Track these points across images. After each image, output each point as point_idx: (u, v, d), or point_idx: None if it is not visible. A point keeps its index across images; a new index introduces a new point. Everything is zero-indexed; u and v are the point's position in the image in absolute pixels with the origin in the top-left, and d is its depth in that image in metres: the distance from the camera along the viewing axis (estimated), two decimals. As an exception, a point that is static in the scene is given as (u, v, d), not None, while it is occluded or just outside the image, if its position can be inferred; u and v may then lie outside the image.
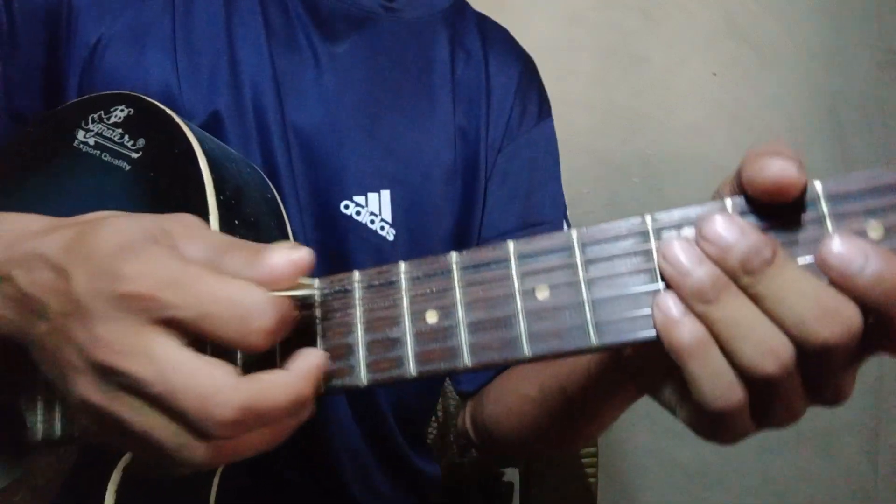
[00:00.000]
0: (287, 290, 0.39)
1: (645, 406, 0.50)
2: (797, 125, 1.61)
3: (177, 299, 0.36)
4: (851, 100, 1.61)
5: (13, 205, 0.56)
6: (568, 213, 0.87)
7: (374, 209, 0.72)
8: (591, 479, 1.14)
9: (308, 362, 0.39)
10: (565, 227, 0.84)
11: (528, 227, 0.81)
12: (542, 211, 0.83)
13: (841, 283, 0.33)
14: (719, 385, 0.36)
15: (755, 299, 0.35)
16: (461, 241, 0.79)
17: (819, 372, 0.36)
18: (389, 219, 0.73)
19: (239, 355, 0.43)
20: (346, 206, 0.71)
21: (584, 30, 1.63)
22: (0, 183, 0.60)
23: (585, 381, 0.54)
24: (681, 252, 0.35)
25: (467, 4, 0.89)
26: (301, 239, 0.67)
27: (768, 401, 0.37)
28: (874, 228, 0.34)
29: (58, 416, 0.47)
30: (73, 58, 0.68)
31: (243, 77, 0.69)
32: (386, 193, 0.73)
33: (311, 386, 0.39)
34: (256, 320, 0.37)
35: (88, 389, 0.37)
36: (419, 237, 0.75)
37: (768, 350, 0.34)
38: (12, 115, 0.68)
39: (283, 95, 0.71)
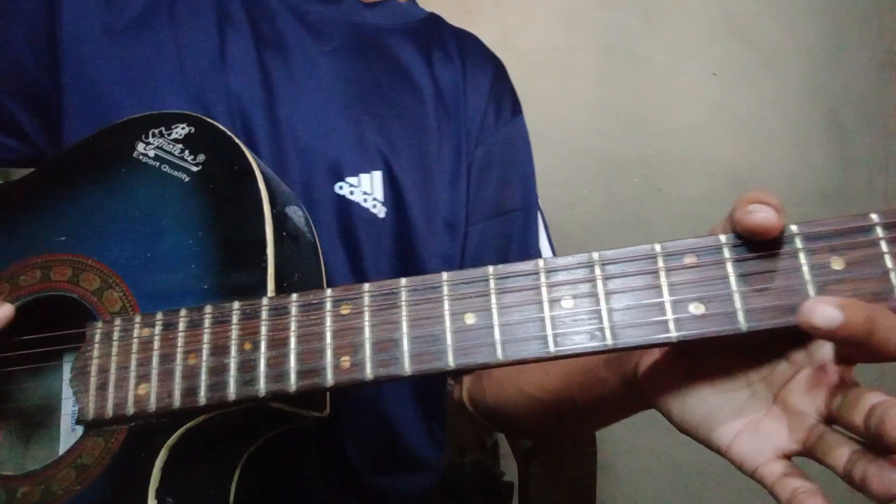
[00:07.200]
0: None
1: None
2: (797, 125, 1.66)
3: None
4: (851, 100, 1.66)
5: (69, 208, 0.66)
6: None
7: (366, 188, 0.80)
8: (591, 479, 1.17)
9: None
10: (539, 215, 0.95)
11: (501, 214, 0.90)
12: (514, 200, 0.92)
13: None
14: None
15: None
16: (450, 225, 0.87)
17: None
18: (381, 197, 0.81)
19: (234, 358, 0.50)
20: (341, 187, 0.79)
21: (584, 30, 1.69)
22: (58, 186, 0.68)
23: (598, 392, 0.61)
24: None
25: (441, 19, 0.99)
26: None
27: None
28: (836, 262, 0.44)
29: (110, 396, 0.54)
30: (72, 89, 0.77)
31: (232, 85, 0.79)
32: (378, 174, 0.81)
33: None
34: None
35: None
36: (409, 216, 0.83)
37: None
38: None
39: (277, 94, 0.80)
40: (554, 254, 0.94)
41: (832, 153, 1.66)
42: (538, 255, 0.92)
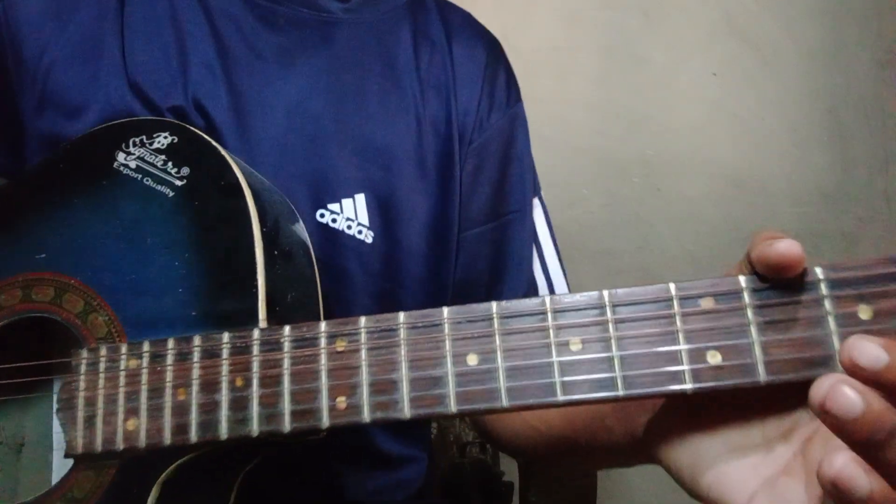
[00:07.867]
0: None
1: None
2: (797, 125, 1.65)
3: None
4: (851, 100, 1.65)
5: (49, 222, 0.62)
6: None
7: (349, 214, 0.74)
8: (591, 479, 1.17)
9: None
10: (537, 204, 0.88)
11: (495, 218, 0.84)
12: (511, 200, 0.85)
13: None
14: None
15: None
16: (440, 234, 0.81)
17: None
18: (366, 221, 0.75)
19: (225, 395, 0.49)
20: (322, 215, 0.74)
21: (584, 30, 1.67)
22: (35, 199, 0.64)
23: (602, 439, 0.58)
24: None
25: None
26: None
27: None
28: (864, 311, 0.40)
29: (98, 430, 0.52)
30: (23, 87, 0.73)
31: (196, 100, 0.73)
32: (360, 197, 0.75)
33: None
34: None
35: None
36: (397, 236, 0.78)
37: None
38: None
39: (249, 112, 0.73)
40: (555, 245, 0.88)
41: (832, 153, 1.65)
42: (530, 264, 0.86)
